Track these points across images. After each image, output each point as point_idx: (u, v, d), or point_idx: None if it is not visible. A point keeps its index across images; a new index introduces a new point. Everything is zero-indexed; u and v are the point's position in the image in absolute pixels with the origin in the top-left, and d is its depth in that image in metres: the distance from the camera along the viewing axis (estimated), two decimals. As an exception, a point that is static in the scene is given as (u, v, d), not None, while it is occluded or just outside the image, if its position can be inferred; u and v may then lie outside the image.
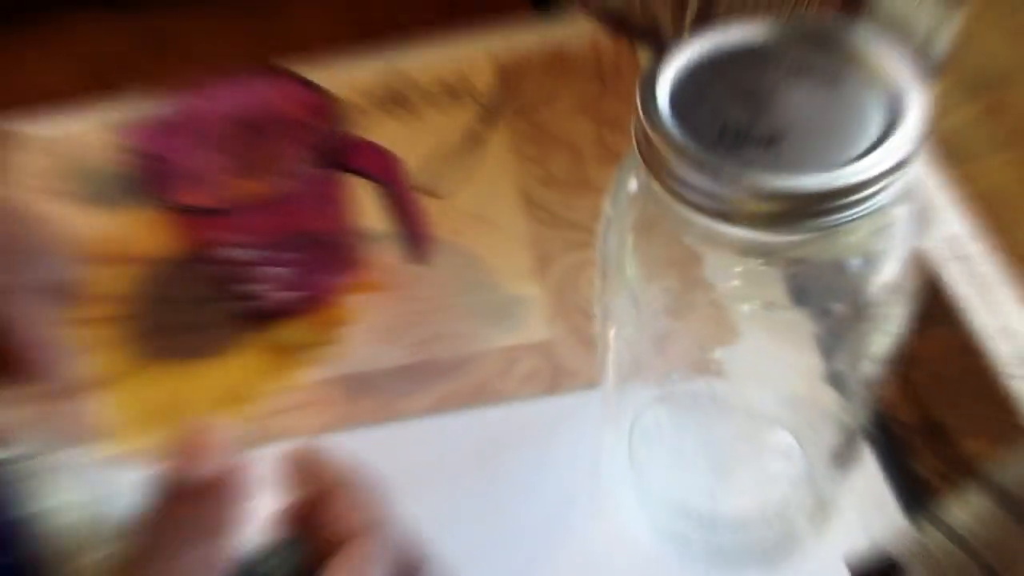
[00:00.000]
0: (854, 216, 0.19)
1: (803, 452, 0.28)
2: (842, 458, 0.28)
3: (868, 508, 0.31)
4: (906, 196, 0.22)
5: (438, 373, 0.37)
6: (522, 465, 0.34)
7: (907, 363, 0.35)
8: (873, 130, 0.20)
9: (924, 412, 0.34)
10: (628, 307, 0.25)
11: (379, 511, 0.21)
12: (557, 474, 0.33)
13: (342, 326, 0.39)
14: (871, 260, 0.22)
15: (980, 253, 0.32)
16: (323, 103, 0.36)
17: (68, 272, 0.24)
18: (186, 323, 0.40)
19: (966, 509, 0.24)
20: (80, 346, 0.25)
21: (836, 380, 0.25)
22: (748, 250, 0.21)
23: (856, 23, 0.28)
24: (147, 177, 0.35)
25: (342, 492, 0.21)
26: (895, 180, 0.19)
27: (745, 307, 0.23)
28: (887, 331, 0.23)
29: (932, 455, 0.33)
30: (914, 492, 0.32)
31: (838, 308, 0.22)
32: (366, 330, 0.39)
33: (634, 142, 0.21)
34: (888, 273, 0.22)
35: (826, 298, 0.22)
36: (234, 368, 0.39)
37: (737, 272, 0.22)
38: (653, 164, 0.20)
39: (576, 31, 0.49)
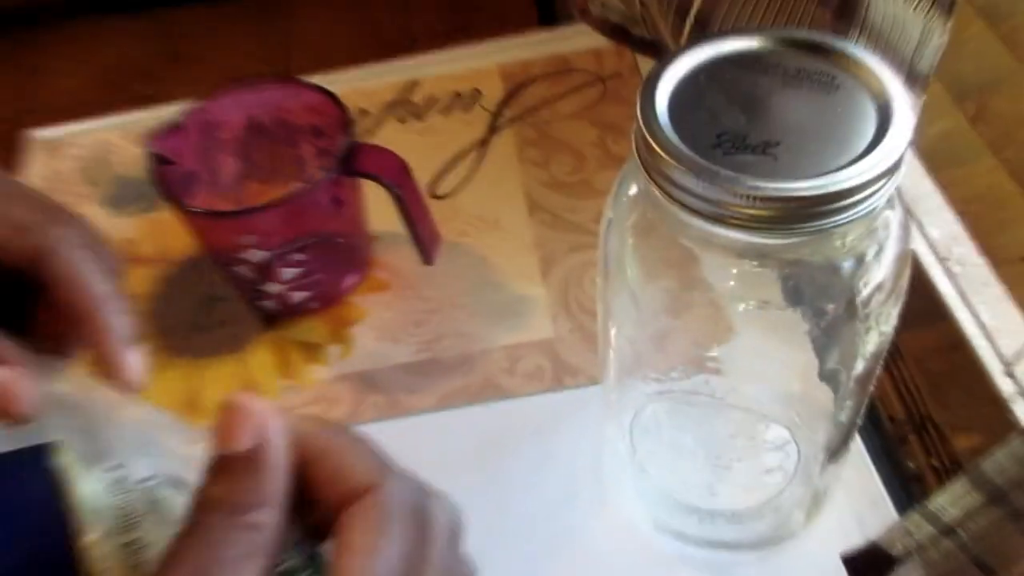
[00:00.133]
0: (846, 219, 0.20)
1: (798, 447, 0.29)
2: (836, 453, 0.28)
3: (861, 502, 0.32)
4: (896, 200, 0.23)
5: (444, 370, 0.38)
6: (525, 460, 0.34)
7: (898, 361, 0.36)
8: (864, 136, 0.20)
9: (915, 408, 0.35)
10: (628, 306, 0.26)
11: (384, 464, 0.18)
12: (559, 468, 0.34)
13: (352, 325, 0.40)
14: (863, 261, 0.22)
15: (968, 255, 0.33)
16: (335, 110, 0.37)
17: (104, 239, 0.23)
18: (202, 322, 0.41)
19: (956, 503, 0.24)
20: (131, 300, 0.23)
21: (830, 377, 0.25)
22: (744, 252, 0.21)
23: (848, 32, 0.29)
24: (165, 181, 0.36)
25: (330, 444, 0.18)
26: (886, 184, 0.20)
27: (741, 307, 0.24)
28: (879, 330, 0.24)
29: (923, 450, 0.34)
30: (906, 486, 0.33)
31: (831, 308, 0.23)
32: (375, 329, 0.40)
33: (634, 147, 0.21)
34: (879, 274, 0.22)
35: (820, 298, 0.23)
36: (248, 366, 0.39)
37: (734, 273, 0.23)
38: (652, 169, 0.21)
39: (579, 41, 0.50)
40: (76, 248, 0.22)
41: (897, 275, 0.23)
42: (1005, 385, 0.31)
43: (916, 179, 0.37)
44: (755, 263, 0.22)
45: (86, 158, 0.50)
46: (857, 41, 0.30)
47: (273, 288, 0.38)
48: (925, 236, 0.35)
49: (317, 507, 0.18)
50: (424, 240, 0.38)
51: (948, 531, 0.25)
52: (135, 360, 0.22)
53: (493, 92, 0.49)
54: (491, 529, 0.33)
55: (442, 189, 0.45)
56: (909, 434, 0.34)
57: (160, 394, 0.39)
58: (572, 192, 0.44)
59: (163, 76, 1.40)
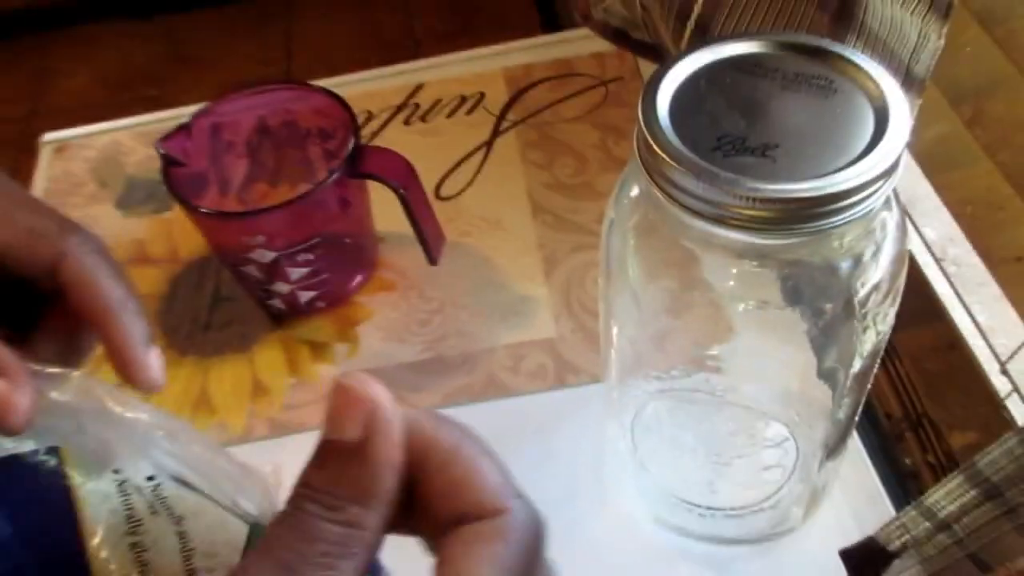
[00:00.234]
0: (844, 220, 0.20)
1: (796, 444, 0.29)
2: (833, 450, 0.29)
3: (858, 498, 0.32)
4: (893, 201, 0.23)
5: (449, 369, 0.38)
6: (528, 457, 0.35)
7: (895, 359, 0.36)
8: (862, 139, 0.21)
9: (912, 406, 0.35)
10: (630, 306, 0.26)
11: (510, 484, 0.16)
12: (562, 465, 0.34)
13: (358, 324, 0.41)
14: (860, 262, 0.22)
15: (964, 255, 0.33)
16: (342, 112, 0.37)
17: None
18: (211, 321, 0.42)
19: (952, 499, 0.25)
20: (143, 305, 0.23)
21: (828, 376, 0.25)
22: (744, 252, 0.22)
23: (846, 37, 0.30)
24: (174, 182, 0.36)
25: (455, 452, 0.16)
26: (883, 186, 0.20)
27: (741, 306, 0.24)
28: (876, 329, 0.24)
29: (919, 447, 0.34)
30: (902, 483, 0.33)
31: (829, 307, 0.23)
32: (381, 328, 0.40)
33: (636, 150, 0.22)
34: (877, 274, 0.23)
35: (818, 298, 0.23)
36: (256, 364, 0.40)
37: (733, 273, 0.23)
38: (653, 171, 0.21)
39: (582, 46, 0.51)
40: (90, 254, 0.22)
41: (894, 275, 0.23)
42: (1000, 383, 0.32)
43: (913, 181, 0.37)
44: (755, 263, 0.23)
45: (96, 160, 0.50)
46: (855, 45, 0.30)
47: (281, 288, 0.39)
48: (922, 237, 0.36)
49: (424, 515, 0.16)
50: (429, 241, 0.38)
51: (944, 527, 0.25)
52: (155, 360, 0.23)
53: (497, 95, 0.49)
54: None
55: (447, 190, 0.45)
56: (906, 431, 0.35)
57: (169, 393, 0.39)
58: (574, 193, 0.44)
59: (168, 79, 1.41)
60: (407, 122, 0.49)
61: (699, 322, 0.25)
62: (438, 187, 0.45)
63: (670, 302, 0.25)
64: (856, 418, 0.28)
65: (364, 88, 0.51)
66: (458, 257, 0.42)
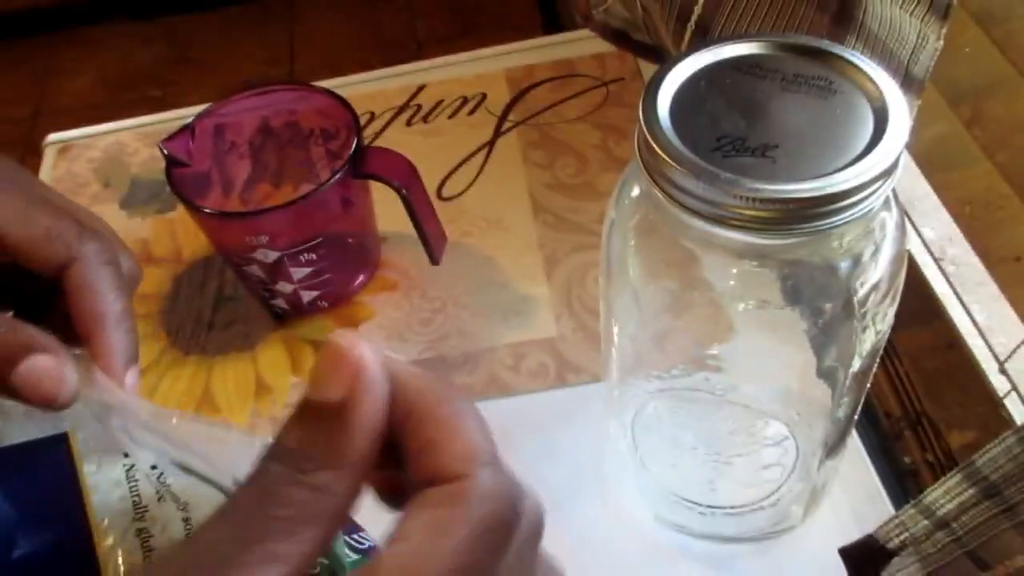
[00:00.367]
0: (844, 220, 0.20)
1: (796, 443, 0.30)
2: (833, 448, 0.29)
3: (857, 496, 0.32)
4: (892, 201, 0.23)
5: (450, 368, 0.38)
6: (529, 456, 0.35)
7: (894, 359, 0.37)
8: (861, 139, 0.21)
9: (911, 405, 0.35)
10: (630, 305, 0.26)
11: (486, 451, 0.15)
12: (563, 464, 0.35)
13: (361, 323, 0.41)
14: (860, 261, 0.22)
15: (962, 255, 0.33)
16: (344, 113, 0.37)
17: (124, 256, 0.24)
18: (214, 321, 0.42)
19: (951, 498, 0.25)
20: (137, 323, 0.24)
21: (827, 375, 0.25)
22: (744, 252, 0.22)
23: (845, 37, 0.30)
24: (178, 182, 0.36)
25: (432, 413, 0.15)
26: (882, 186, 0.21)
27: (741, 306, 0.24)
28: (875, 328, 0.24)
29: (918, 446, 0.34)
30: (901, 481, 0.33)
31: (829, 307, 0.23)
32: (383, 327, 0.40)
33: (636, 150, 0.22)
34: (876, 274, 0.23)
35: (818, 297, 0.23)
36: (259, 363, 0.40)
37: (733, 273, 0.23)
38: (654, 171, 0.21)
39: (583, 47, 0.51)
40: (98, 264, 0.23)
41: (893, 275, 0.23)
42: (999, 383, 0.32)
43: (912, 181, 0.37)
44: (755, 263, 0.23)
45: (100, 160, 0.50)
46: (854, 46, 0.30)
47: (284, 287, 0.39)
48: (921, 237, 0.36)
49: (407, 473, 0.15)
50: (431, 240, 0.39)
51: (943, 525, 0.25)
52: (131, 380, 0.23)
53: (499, 96, 0.49)
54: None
55: (448, 191, 0.46)
56: (905, 430, 0.35)
57: (172, 392, 0.39)
58: (575, 193, 0.44)
59: (172, 79, 1.41)
60: (409, 123, 0.49)
61: (699, 322, 0.25)
62: (440, 187, 0.46)
63: (670, 302, 0.25)
64: (855, 417, 0.29)
65: (366, 89, 0.51)
66: (460, 257, 0.42)
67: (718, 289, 0.24)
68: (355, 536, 0.24)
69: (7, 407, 0.21)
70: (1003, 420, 0.31)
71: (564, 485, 0.34)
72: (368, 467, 0.15)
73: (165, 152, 0.36)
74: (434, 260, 0.40)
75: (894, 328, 0.25)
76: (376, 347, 0.15)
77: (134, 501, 0.21)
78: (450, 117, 0.49)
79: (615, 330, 0.28)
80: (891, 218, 0.23)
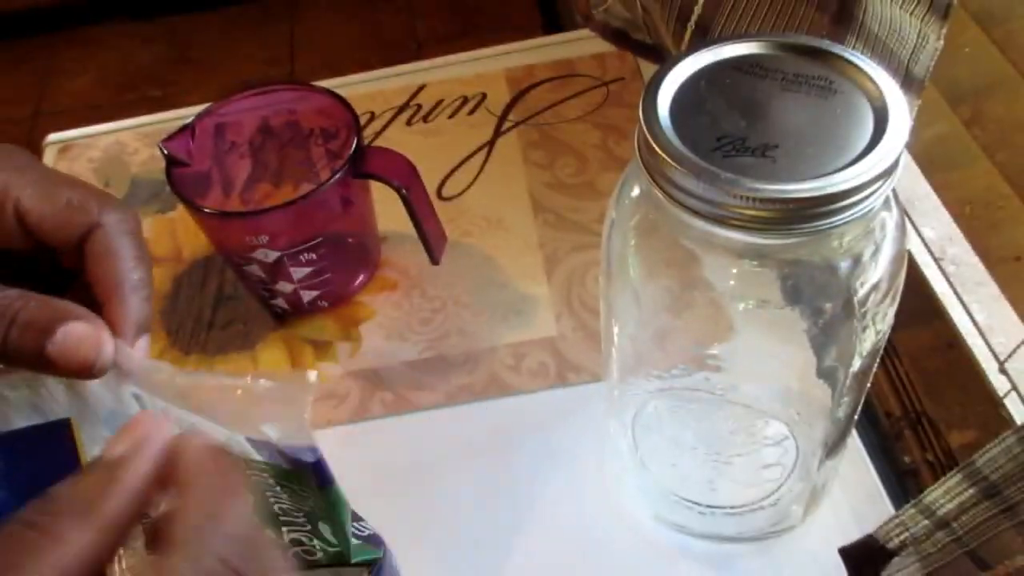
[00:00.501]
0: (844, 220, 0.20)
1: (796, 443, 0.30)
2: (833, 448, 0.29)
3: (857, 496, 0.32)
4: (892, 201, 0.23)
5: (451, 367, 0.38)
6: (530, 455, 0.35)
7: (894, 358, 0.37)
8: (861, 139, 0.21)
9: (911, 405, 0.35)
10: (631, 305, 0.26)
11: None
12: (563, 464, 0.35)
13: (361, 323, 0.41)
14: (860, 261, 0.23)
15: (962, 254, 0.33)
16: (345, 113, 0.37)
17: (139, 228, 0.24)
18: (214, 320, 0.42)
19: (951, 497, 0.25)
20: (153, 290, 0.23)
21: (827, 375, 0.25)
22: (744, 252, 0.22)
23: (845, 37, 0.30)
24: (178, 182, 0.36)
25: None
26: (882, 186, 0.21)
27: (741, 306, 0.24)
28: (875, 328, 0.24)
29: (918, 446, 0.34)
30: (901, 481, 0.33)
31: (829, 307, 0.23)
32: (383, 327, 0.40)
33: (636, 150, 0.22)
34: (876, 274, 0.23)
35: (818, 297, 0.23)
36: (259, 363, 0.40)
37: (733, 273, 0.23)
38: (654, 171, 0.21)
39: (583, 46, 0.51)
40: (119, 232, 0.23)
41: (893, 275, 0.23)
42: (999, 382, 0.32)
43: (912, 181, 0.37)
44: (755, 263, 0.23)
45: (101, 160, 0.50)
46: (854, 46, 0.30)
47: (284, 287, 0.39)
48: (921, 236, 0.36)
49: None
50: (431, 240, 0.39)
51: (943, 525, 0.25)
52: (141, 347, 0.22)
53: (499, 96, 0.49)
54: (496, 523, 0.33)
55: (448, 190, 0.46)
56: (905, 430, 0.35)
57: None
58: (575, 193, 0.44)
59: (172, 79, 1.41)
60: (409, 122, 0.49)
61: (699, 321, 0.26)
62: (440, 187, 0.46)
63: (670, 301, 0.25)
64: (855, 417, 0.29)
65: (366, 89, 0.51)
66: (460, 256, 0.42)
67: (718, 289, 0.24)
68: (355, 525, 0.24)
69: (10, 398, 0.21)
70: (1003, 420, 0.31)
71: (564, 484, 0.34)
72: (121, 527, 0.16)
73: (165, 152, 0.36)
74: (434, 260, 0.40)
75: (894, 328, 0.25)
76: (163, 424, 0.17)
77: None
78: (450, 117, 0.49)
79: (615, 330, 0.28)
80: (891, 218, 0.23)
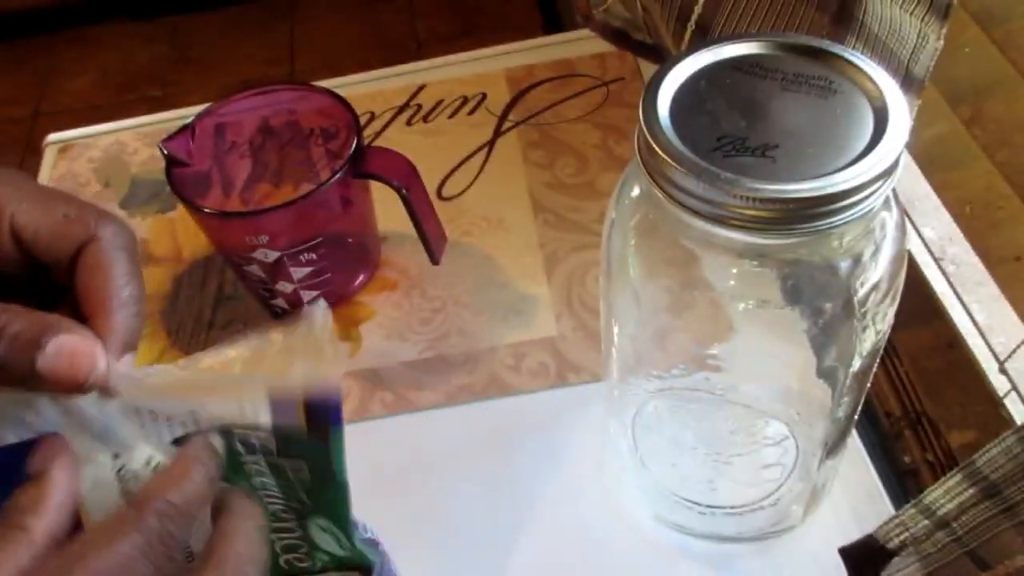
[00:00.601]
0: (844, 220, 0.20)
1: (796, 442, 0.30)
2: (833, 448, 0.29)
3: (857, 496, 0.32)
4: (892, 201, 0.23)
5: (451, 367, 0.38)
6: (530, 455, 0.35)
7: (894, 358, 0.37)
8: (861, 139, 0.21)
9: (911, 405, 0.35)
10: (631, 305, 0.26)
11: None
12: (563, 463, 0.35)
13: (361, 323, 0.41)
14: (860, 261, 0.23)
15: (962, 254, 0.33)
16: (345, 113, 0.37)
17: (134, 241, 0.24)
18: (214, 320, 0.42)
19: (951, 497, 0.25)
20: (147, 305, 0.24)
21: (827, 374, 0.25)
22: (744, 252, 0.22)
23: (845, 37, 0.30)
24: (178, 182, 0.36)
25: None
26: (882, 186, 0.21)
27: (741, 305, 0.24)
28: (875, 328, 0.24)
29: (918, 446, 0.34)
30: (901, 481, 0.33)
31: (829, 307, 0.23)
32: (383, 327, 0.40)
33: (636, 150, 0.22)
34: (876, 274, 0.23)
35: (818, 297, 0.23)
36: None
37: (733, 273, 0.23)
38: (654, 171, 0.21)
39: (583, 46, 0.51)
40: (114, 247, 0.22)
41: (893, 275, 0.23)
42: (999, 382, 0.32)
43: (912, 181, 0.37)
44: (755, 263, 0.23)
45: (101, 160, 0.50)
46: (854, 46, 0.30)
47: (284, 287, 0.39)
48: (921, 236, 0.36)
49: None
50: (431, 240, 0.39)
51: (943, 525, 0.25)
52: (126, 362, 0.22)
53: (499, 96, 0.50)
54: (496, 523, 0.33)
55: (448, 190, 0.46)
56: (905, 430, 0.35)
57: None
58: (575, 193, 0.44)
59: (172, 79, 1.41)
60: (409, 122, 0.49)
61: (699, 321, 0.26)
62: (440, 187, 0.46)
63: (670, 301, 0.25)
64: (855, 417, 0.29)
65: (367, 89, 0.51)
66: (460, 256, 0.42)
67: (718, 289, 0.24)
68: (358, 529, 0.24)
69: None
70: (1003, 420, 0.31)
71: (564, 484, 0.34)
72: (63, 523, 0.19)
73: (165, 152, 0.36)
74: (434, 260, 0.40)
75: (894, 328, 0.25)
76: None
77: (126, 498, 0.21)
78: (450, 117, 0.49)
79: (615, 330, 0.28)
80: (891, 218, 0.23)
